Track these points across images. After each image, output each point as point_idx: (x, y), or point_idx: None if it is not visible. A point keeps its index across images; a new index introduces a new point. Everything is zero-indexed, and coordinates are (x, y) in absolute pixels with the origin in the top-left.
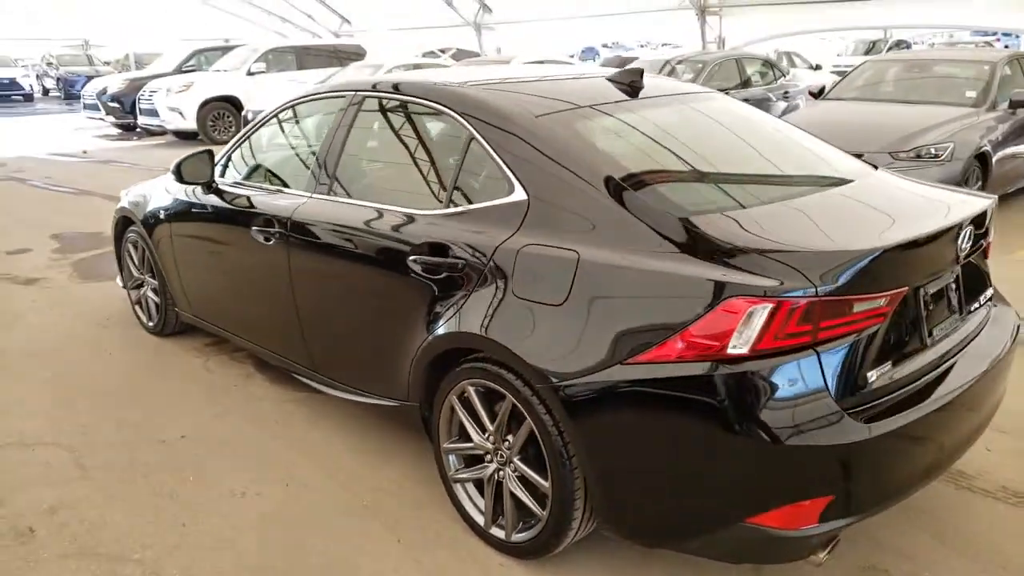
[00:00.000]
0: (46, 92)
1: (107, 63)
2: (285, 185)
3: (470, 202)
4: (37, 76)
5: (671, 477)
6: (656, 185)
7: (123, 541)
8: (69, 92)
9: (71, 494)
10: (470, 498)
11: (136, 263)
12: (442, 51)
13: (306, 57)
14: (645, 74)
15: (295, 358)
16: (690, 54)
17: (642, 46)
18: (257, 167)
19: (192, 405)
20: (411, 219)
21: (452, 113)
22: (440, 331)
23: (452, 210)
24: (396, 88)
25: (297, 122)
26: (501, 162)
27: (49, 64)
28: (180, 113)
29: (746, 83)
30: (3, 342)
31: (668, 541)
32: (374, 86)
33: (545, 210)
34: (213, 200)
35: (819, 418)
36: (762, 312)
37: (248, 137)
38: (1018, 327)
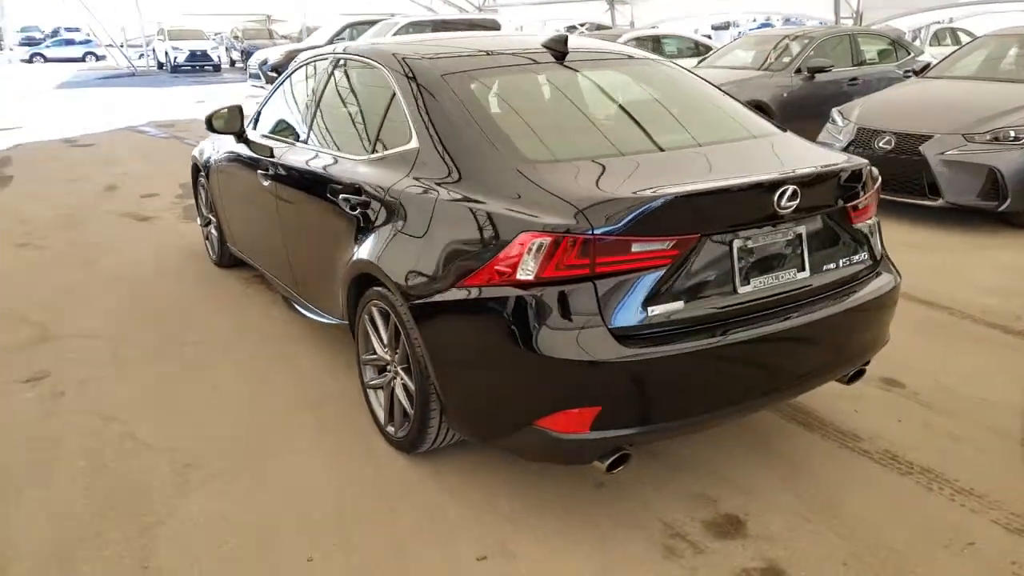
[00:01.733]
0: (233, 63)
1: (284, 36)
2: (286, 135)
3: (385, 149)
4: (226, 48)
5: (485, 383)
6: (512, 136)
7: (119, 407)
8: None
9: (100, 373)
10: (378, 401)
11: (204, 204)
12: (581, 25)
13: (443, 30)
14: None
15: (287, 283)
16: (804, 30)
17: (820, 23)
18: (272, 120)
19: (218, 321)
20: (346, 163)
21: (384, 70)
22: (353, 259)
23: (373, 156)
24: (356, 51)
25: (302, 81)
26: (407, 114)
27: (236, 37)
28: None
29: (861, 62)
30: (106, 263)
31: (489, 439)
32: (345, 49)
33: (428, 156)
34: (242, 149)
35: (588, 338)
36: (543, 245)
37: (272, 94)
38: (889, 290)
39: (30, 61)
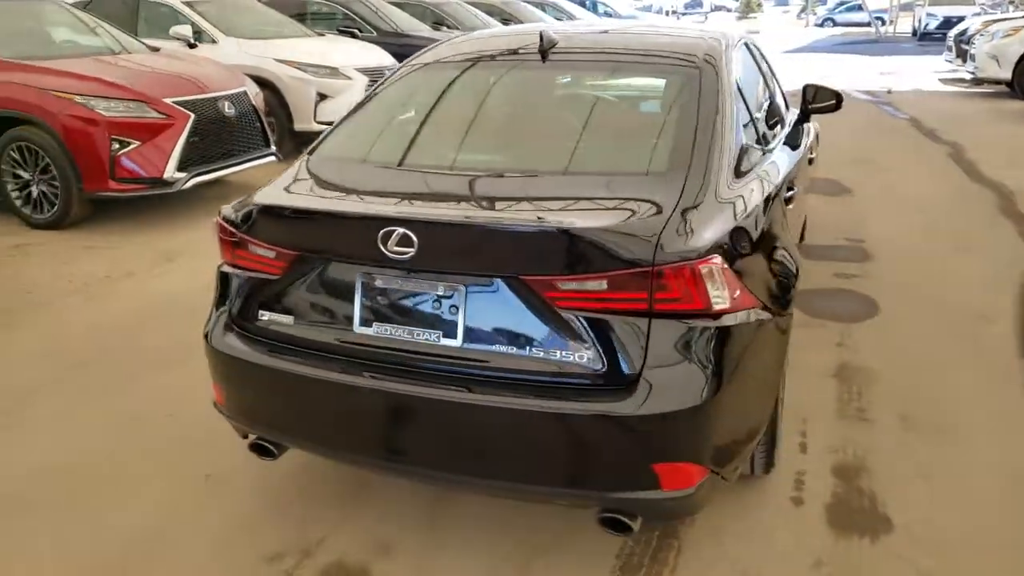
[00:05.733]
0: (914, 32)
1: (983, 2)
2: None
3: None
4: (926, 13)
5: None
6: (360, 130)
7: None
8: (923, 32)
9: None
10: None
11: None
12: None
13: None
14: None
15: None
16: None
17: None
18: None
19: None
20: None
21: None
22: None
23: None
24: None
25: None
26: None
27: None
28: (997, 61)
29: None
30: None
31: None
32: None
33: None
34: None
35: (217, 322)
36: (216, 230)
37: None
38: (626, 415)
39: (821, 25)
